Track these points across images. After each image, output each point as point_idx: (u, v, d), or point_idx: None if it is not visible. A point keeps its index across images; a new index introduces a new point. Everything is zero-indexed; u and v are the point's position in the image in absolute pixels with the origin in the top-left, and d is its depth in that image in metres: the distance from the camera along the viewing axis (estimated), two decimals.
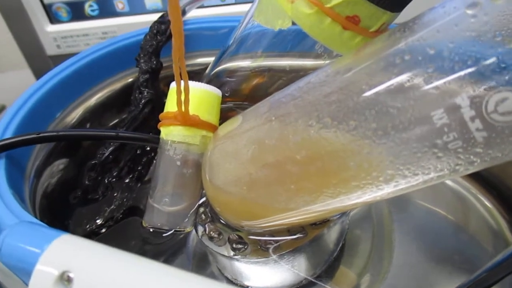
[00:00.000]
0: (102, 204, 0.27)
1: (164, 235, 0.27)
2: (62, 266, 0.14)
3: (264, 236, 0.24)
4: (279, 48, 0.29)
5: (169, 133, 0.24)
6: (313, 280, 0.26)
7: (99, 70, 0.33)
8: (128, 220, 0.30)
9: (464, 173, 0.17)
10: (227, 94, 0.29)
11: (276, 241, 0.24)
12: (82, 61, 0.31)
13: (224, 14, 0.43)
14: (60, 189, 0.28)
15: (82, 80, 0.32)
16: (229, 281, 0.27)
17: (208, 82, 0.29)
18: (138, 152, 0.29)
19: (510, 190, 0.25)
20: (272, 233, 0.24)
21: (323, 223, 0.25)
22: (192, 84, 0.23)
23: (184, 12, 0.33)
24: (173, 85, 0.26)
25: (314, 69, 0.29)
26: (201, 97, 0.24)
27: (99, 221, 0.27)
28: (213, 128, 0.25)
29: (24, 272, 0.14)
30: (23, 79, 0.57)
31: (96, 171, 0.27)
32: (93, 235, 0.27)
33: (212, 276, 0.28)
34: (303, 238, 0.24)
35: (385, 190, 0.18)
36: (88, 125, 0.32)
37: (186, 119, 0.23)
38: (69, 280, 0.14)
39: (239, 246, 0.25)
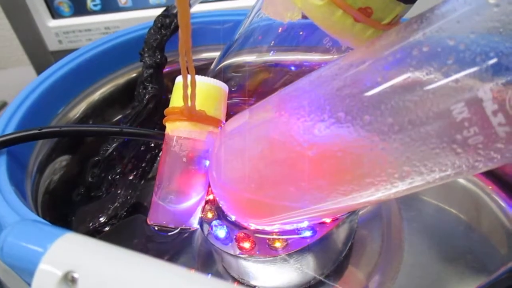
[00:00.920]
0: (106, 202, 0.27)
1: (170, 233, 0.26)
2: (66, 266, 0.13)
3: (272, 234, 0.23)
4: (286, 42, 0.28)
5: (175, 128, 0.23)
6: (322, 279, 0.25)
7: (102, 65, 0.32)
8: (132, 218, 0.30)
9: (483, 170, 0.17)
10: (233, 90, 0.29)
11: (285, 240, 0.23)
12: (84, 56, 0.31)
13: (229, 8, 0.42)
14: (62, 186, 0.28)
15: (84, 75, 0.31)
16: (235, 281, 0.27)
17: (214, 77, 0.28)
18: (142, 148, 0.29)
19: None
20: (280, 231, 0.24)
21: (332, 221, 0.24)
22: (199, 78, 0.23)
23: (189, 6, 0.32)
24: (178, 79, 0.25)
25: (322, 64, 0.28)
26: (208, 92, 0.24)
27: (102, 219, 0.27)
28: (219, 124, 0.24)
29: (26, 272, 0.14)
30: (25, 75, 0.57)
31: (100, 167, 0.26)
32: (96, 233, 0.27)
33: (217, 275, 0.27)
34: (312, 237, 0.24)
35: (400, 188, 0.18)
36: (91, 121, 0.31)
37: (192, 115, 0.23)
38: (73, 280, 0.13)
39: (246, 244, 0.24)
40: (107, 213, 0.27)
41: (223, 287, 0.15)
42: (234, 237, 0.24)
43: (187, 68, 0.21)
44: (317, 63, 0.28)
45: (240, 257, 0.24)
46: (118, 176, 0.27)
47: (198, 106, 0.23)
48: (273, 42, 0.28)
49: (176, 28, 0.31)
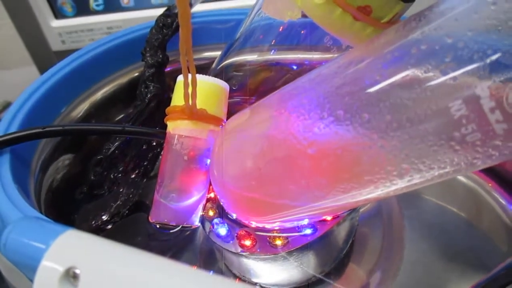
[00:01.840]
0: (108, 200, 0.27)
1: (171, 231, 0.26)
2: (68, 262, 0.14)
3: (273, 232, 0.24)
4: (287, 41, 0.28)
5: (176, 127, 0.24)
6: (321, 277, 0.25)
7: (105, 65, 0.32)
8: (134, 216, 0.30)
9: (481, 167, 0.17)
10: (234, 88, 0.29)
11: (285, 238, 0.24)
12: (87, 55, 0.31)
13: (230, 7, 0.42)
14: (65, 185, 0.28)
15: (87, 75, 0.31)
16: (237, 278, 0.27)
17: (215, 77, 0.29)
18: (144, 147, 0.29)
19: None
20: (281, 229, 0.24)
21: (333, 219, 0.24)
22: (200, 77, 0.23)
23: (190, 5, 0.32)
24: (180, 78, 0.25)
25: (322, 62, 0.28)
26: (209, 91, 0.24)
27: (104, 217, 0.27)
28: (220, 122, 0.24)
29: (29, 268, 0.14)
30: (28, 75, 0.57)
31: (102, 166, 0.26)
32: (99, 231, 0.27)
33: (219, 272, 0.28)
34: (313, 235, 0.24)
35: (399, 185, 0.18)
36: (93, 120, 0.31)
37: (193, 113, 0.23)
38: (75, 276, 0.14)
39: (247, 242, 0.24)
40: (109, 211, 0.27)
41: (224, 284, 0.15)
42: (235, 235, 0.24)
43: (187, 67, 0.21)
44: (317, 62, 0.28)
45: (241, 255, 0.24)
46: (120, 175, 0.27)
47: (199, 105, 0.23)
48: (274, 41, 0.28)
49: (178, 27, 0.31)
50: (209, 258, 0.28)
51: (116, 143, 0.27)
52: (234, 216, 0.24)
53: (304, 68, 0.29)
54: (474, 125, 0.15)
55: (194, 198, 0.24)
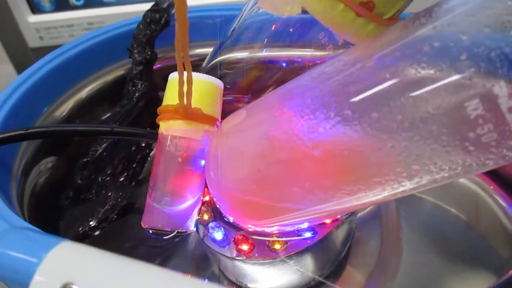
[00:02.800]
0: (96, 205, 0.26)
1: (165, 237, 0.25)
2: (64, 277, 0.12)
3: (272, 236, 0.23)
4: (281, 38, 0.27)
5: (170, 127, 0.22)
6: (322, 280, 0.25)
7: (88, 62, 0.31)
8: (122, 221, 0.29)
9: (492, 167, 0.16)
10: (227, 87, 0.28)
11: (285, 242, 0.23)
12: (70, 52, 0.29)
13: (224, 2, 0.41)
14: (49, 189, 0.26)
15: (70, 73, 0.30)
16: (232, 283, 0.26)
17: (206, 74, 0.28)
18: (133, 148, 0.28)
19: None
20: (280, 232, 0.23)
21: (332, 222, 0.23)
22: (194, 75, 0.22)
23: None
24: (172, 76, 0.24)
25: (317, 60, 0.28)
26: (204, 89, 0.23)
27: (92, 223, 0.25)
28: (215, 122, 0.23)
29: (20, 284, 0.13)
30: (3, 74, 0.54)
31: (89, 169, 0.25)
32: (86, 237, 0.26)
33: (213, 278, 0.27)
34: (313, 238, 0.23)
35: (407, 187, 0.17)
36: (77, 121, 0.30)
37: (188, 113, 0.22)
38: None
39: (245, 247, 0.23)
40: (97, 216, 0.25)
41: None
42: (233, 239, 0.23)
43: (183, 65, 0.20)
44: (312, 59, 0.27)
45: (237, 260, 0.24)
46: (108, 178, 0.26)
47: (193, 104, 0.22)
48: (267, 38, 0.28)
49: (166, 23, 0.30)
50: (203, 263, 0.27)
51: (104, 145, 0.25)
52: (231, 219, 0.23)
53: (298, 65, 0.28)
54: (490, 125, 0.14)
55: (189, 201, 0.22)
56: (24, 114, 0.26)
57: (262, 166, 0.19)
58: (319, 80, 0.18)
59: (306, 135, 0.18)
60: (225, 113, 0.25)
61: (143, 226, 0.22)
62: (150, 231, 0.23)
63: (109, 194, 0.26)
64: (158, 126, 0.24)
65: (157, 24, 0.30)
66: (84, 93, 0.30)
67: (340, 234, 0.25)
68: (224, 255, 0.23)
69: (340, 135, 0.17)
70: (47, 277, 0.13)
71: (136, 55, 0.29)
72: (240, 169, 0.20)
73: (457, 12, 0.15)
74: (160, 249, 0.27)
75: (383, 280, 0.26)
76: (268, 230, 0.22)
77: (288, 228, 0.22)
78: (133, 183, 0.29)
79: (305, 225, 0.23)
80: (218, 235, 0.24)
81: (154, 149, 0.32)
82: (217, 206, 0.24)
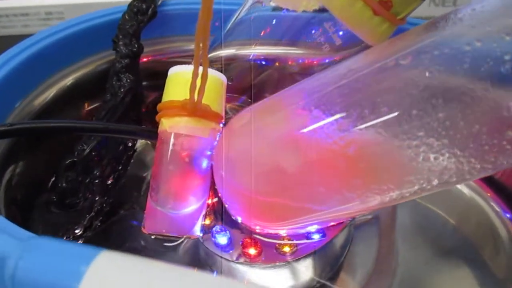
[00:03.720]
0: (81, 210, 0.23)
1: (170, 244, 0.23)
2: None
3: (283, 239, 0.22)
4: (276, 36, 0.27)
5: (175, 125, 0.21)
6: (325, 282, 0.24)
7: (64, 54, 0.28)
8: (105, 228, 0.26)
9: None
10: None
11: (294, 245, 0.22)
12: (44, 42, 0.27)
13: None
14: (26, 193, 0.23)
15: (44, 65, 0.27)
16: None
17: None
18: (120, 148, 0.25)
19: None
20: (290, 235, 0.22)
21: (338, 223, 0.23)
22: (200, 69, 0.20)
23: None
24: (172, 70, 0.23)
25: (313, 59, 0.27)
26: (212, 85, 0.21)
27: (77, 231, 0.23)
28: (221, 120, 0.22)
29: None
30: None
31: (76, 171, 0.22)
32: None
33: None
34: (321, 240, 0.23)
35: (435, 185, 0.17)
36: (53, 116, 0.27)
37: (197, 109, 0.20)
38: None
39: (252, 250, 0.22)
40: (83, 223, 0.23)
41: None
42: (240, 242, 0.22)
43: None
44: (310, 58, 0.27)
45: (239, 263, 0.22)
46: (97, 181, 0.23)
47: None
48: (263, 35, 0.27)
49: (154, 14, 0.28)
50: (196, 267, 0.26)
51: (92, 144, 0.23)
52: (240, 220, 0.22)
53: (290, 64, 0.28)
54: None
55: (196, 204, 0.21)
56: None
57: (286, 166, 0.18)
58: (348, 77, 0.18)
59: (337, 133, 0.17)
60: None
61: (146, 232, 0.21)
62: (152, 237, 0.21)
63: (96, 198, 0.24)
64: (150, 123, 0.22)
65: (144, 15, 0.28)
66: (58, 87, 0.27)
67: (342, 236, 0.25)
68: (230, 260, 0.22)
69: (374, 133, 0.17)
70: None
71: (121, 47, 0.27)
72: (258, 169, 0.19)
73: (498, 11, 0.15)
74: (148, 255, 0.25)
75: (380, 284, 0.26)
76: (280, 232, 0.22)
77: (301, 231, 0.22)
78: (117, 187, 0.27)
79: (314, 227, 0.22)
80: (223, 239, 0.22)
81: (138, 150, 0.30)
82: (222, 208, 0.22)
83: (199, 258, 0.26)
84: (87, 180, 0.23)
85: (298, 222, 0.20)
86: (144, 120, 0.29)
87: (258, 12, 0.26)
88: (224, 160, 0.20)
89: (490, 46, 0.15)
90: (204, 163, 0.21)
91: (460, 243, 0.27)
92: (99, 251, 0.12)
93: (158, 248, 0.26)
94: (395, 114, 0.16)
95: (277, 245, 0.22)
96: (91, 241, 0.25)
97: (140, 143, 0.31)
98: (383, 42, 0.19)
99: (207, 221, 0.23)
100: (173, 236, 0.21)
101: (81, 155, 0.23)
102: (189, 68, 0.22)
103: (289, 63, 0.27)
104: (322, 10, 0.22)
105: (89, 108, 0.29)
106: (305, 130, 0.18)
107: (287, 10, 0.25)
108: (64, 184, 0.22)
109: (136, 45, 0.27)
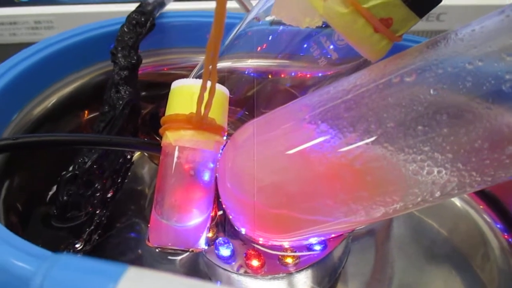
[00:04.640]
0: (81, 224, 0.23)
1: (175, 257, 0.23)
2: None
3: (286, 251, 0.22)
4: (274, 50, 0.27)
5: (180, 138, 0.21)
6: None
7: (60, 65, 0.28)
8: (102, 242, 0.26)
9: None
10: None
11: (297, 256, 0.22)
12: (43, 53, 0.26)
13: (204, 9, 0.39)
14: (24, 207, 0.23)
15: (41, 77, 0.27)
16: None
17: None
18: (120, 161, 0.25)
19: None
20: (293, 246, 0.22)
21: (339, 234, 0.24)
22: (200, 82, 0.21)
23: (163, 4, 0.29)
24: (175, 84, 0.23)
25: (307, 72, 0.28)
26: (216, 98, 0.22)
27: (78, 245, 0.23)
28: (225, 133, 0.22)
29: None
30: None
31: (77, 184, 0.22)
32: None
33: None
34: (323, 251, 0.23)
35: (437, 197, 0.18)
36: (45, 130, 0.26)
37: (202, 123, 0.21)
38: None
39: (255, 262, 0.22)
40: (83, 237, 0.23)
41: None
42: (244, 254, 0.22)
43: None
44: (306, 72, 0.28)
45: (241, 274, 0.23)
46: (98, 194, 0.23)
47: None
48: (261, 49, 0.27)
49: (152, 26, 0.28)
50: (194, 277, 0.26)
51: (94, 156, 0.23)
52: (244, 231, 0.22)
53: (289, 77, 0.28)
54: None
55: (202, 217, 0.21)
56: None
57: (294, 178, 0.19)
58: (353, 92, 0.18)
59: (344, 148, 0.18)
60: None
61: (150, 245, 0.20)
62: (157, 249, 0.21)
63: (97, 212, 0.23)
64: (153, 137, 0.22)
65: (143, 27, 0.28)
66: (56, 97, 0.27)
67: (340, 248, 0.25)
68: (231, 271, 0.22)
69: (381, 147, 0.17)
70: None
71: (120, 59, 0.27)
72: (267, 183, 0.19)
73: (498, 31, 0.16)
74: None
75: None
76: (284, 243, 0.22)
77: (305, 242, 0.22)
78: (115, 200, 0.26)
79: (317, 239, 0.23)
80: (226, 252, 0.22)
81: (134, 163, 0.29)
82: (225, 220, 0.22)
83: (197, 269, 0.27)
84: (88, 193, 0.23)
85: (302, 233, 0.20)
86: (140, 131, 0.29)
87: (257, 27, 0.27)
88: (229, 173, 0.21)
89: (491, 65, 0.16)
90: (209, 176, 0.22)
91: (452, 252, 0.28)
92: (125, 268, 0.12)
93: (154, 261, 0.26)
94: (401, 129, 0.17)
95: (280, 256, 0.22)
96: (90, 255, 0.24)
97: (135, 155, 0.31)
98: (386, 59, 0.20)
99: (210, 234, 0.23)
100: (179, 249, 0.21)
101: (82, 168, 0.22)
102: (192, 81, 0.22)
103: (284, 76, 0.28)
104: (325, 26, 0.22)
105: (88, 117, 0.29)
106: (312, 143, 0.18)
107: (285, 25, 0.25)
108: (65, 198, 0.22)
109: (135, 57, 0.27)
